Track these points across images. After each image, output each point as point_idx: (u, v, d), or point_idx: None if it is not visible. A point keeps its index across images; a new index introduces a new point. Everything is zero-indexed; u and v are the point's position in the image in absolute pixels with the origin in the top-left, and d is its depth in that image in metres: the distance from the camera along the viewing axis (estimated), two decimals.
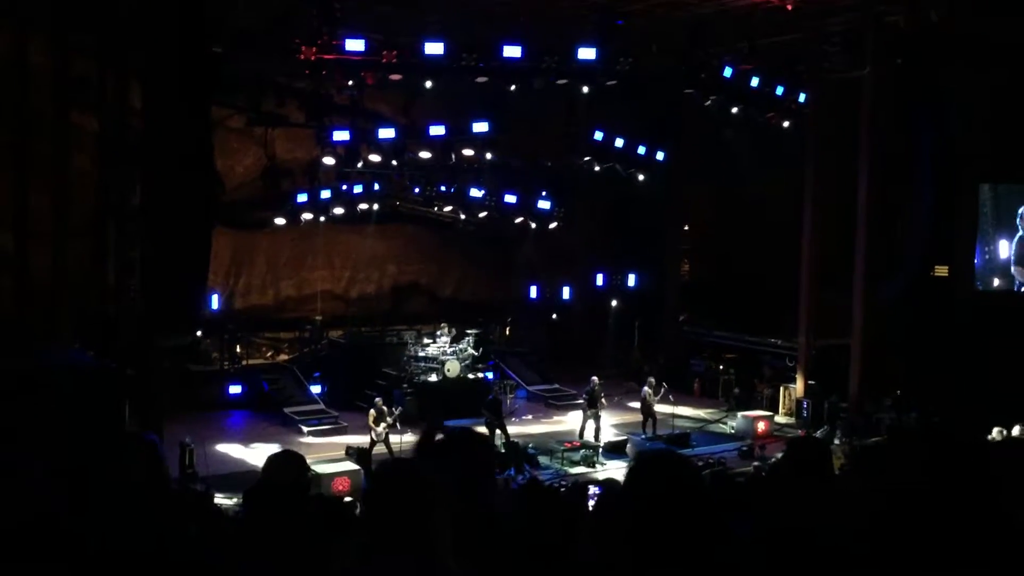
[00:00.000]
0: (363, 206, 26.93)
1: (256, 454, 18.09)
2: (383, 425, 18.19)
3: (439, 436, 3.84)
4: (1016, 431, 13.21)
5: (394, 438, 18.22)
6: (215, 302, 25.44)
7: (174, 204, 15.27)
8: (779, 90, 22.84)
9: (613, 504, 3.18)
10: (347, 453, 18.07)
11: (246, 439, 20.07)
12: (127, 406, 14.55)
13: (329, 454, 18.57)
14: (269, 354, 26.78)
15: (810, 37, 21.80)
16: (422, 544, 2.63)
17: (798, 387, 23.58)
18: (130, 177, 16.47)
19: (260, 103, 22.23)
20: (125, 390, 14.66)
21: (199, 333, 22.64)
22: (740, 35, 21.61)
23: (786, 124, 23.76)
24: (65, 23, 16.61)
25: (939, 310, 22.92)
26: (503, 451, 18.73)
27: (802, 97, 23.16)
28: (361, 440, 19.25)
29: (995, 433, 13.17)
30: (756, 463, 16.96)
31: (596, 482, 14.35)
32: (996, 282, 24.19)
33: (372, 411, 18.36)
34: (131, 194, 16.48)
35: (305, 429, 20.98)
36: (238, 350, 25.37)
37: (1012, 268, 23.98)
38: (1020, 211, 23.85)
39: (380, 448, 18.14)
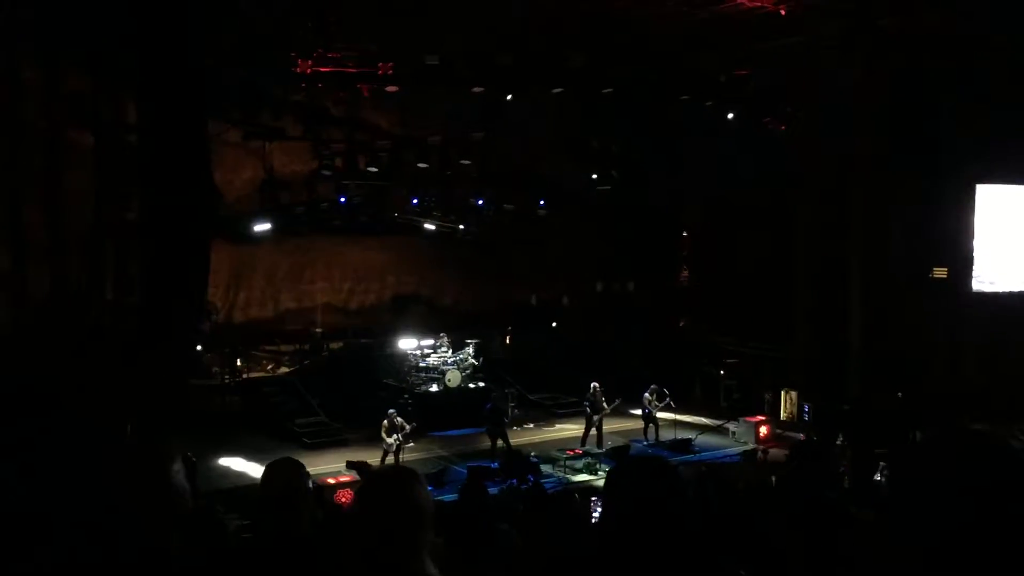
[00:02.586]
0: (361, 218, 26.95)
1: (257, 468, 18.06)
2: (395, 436, 18.21)
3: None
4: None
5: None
6: (215, 316, 25.43)
7: (172, 219, 15.28)
8: (773, 95, 22.89)
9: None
10: (348, 466, 18.00)
11: (247, 453, 20.03)
12: (129, 421, 14.54)
13: (332, 467, 18.53)
14: (270, 367, 26.74)
15: (804, 42, 21.84)
16: (407, 555, 2.63)
17: (799, 391, 23.56)
18: (127, 193, 16.50)
19: (257, 116, 22.26)
20: (126, 405, 14.66)
21: (199, 347, 22.63)
22: (734, 41, 21.66)
23: (782, 128, 23.81)
24: (59, 38, 16.64)
25: (939, 311, 22.93)
26: (505, 460, 18.75)
27: (797, 102, 23.21)
28: (362, 452, 19.23)
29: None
30: (761, 466, 16.96)
31: (599, 490, 14.29)
32: (994, 283, 24.21)
33: (385, 422, 18.39)
34: (128, 210, 16.50)
35: (307, 441, 20.96)
36: (238, 363, 25.35)
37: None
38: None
39: (391, 460, 18.20)
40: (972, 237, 23.81)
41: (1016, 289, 24.29)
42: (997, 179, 24.05)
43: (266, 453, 19.74)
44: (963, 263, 23.76)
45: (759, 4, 19.67)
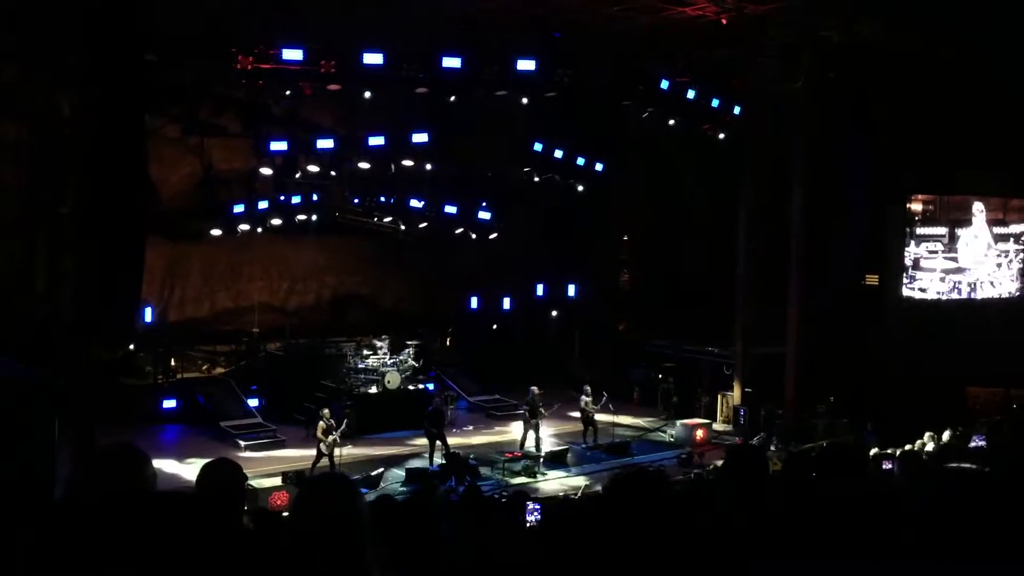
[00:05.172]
0: (301, 217, 26.66)
1: (191, 470, 17.73)
2: (331, 437, 18.01)
3: None
4: (946, 436, 13.54)
5: (335, 451, 18.08)
6: (149, 314, 24.95)
7: (106, 214, 14.94)
8: (715, 103, 23.20)
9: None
10: (284, 479, 17.71)
11: (181, 454, 19.68)
12: (57, 421, 14.15)
13: (267, 468, 18.30)
14: (205, 367, 26.31)
15: (745, 51, 22.17)
16: (348, 561, 2.61)
17: (735, 395, 23.91)
18: (60, 187, 16.07)
19: (196, 112, 21.87)
20: (56, 404, 14.26)
21: (132, 346, 22.20)
22: (677, 48, 21.90)
23: (721, 136, 24.12)
24: None
25: (871, 317, 23.49)
26: (444, 462, 18.72)
27: (737, 109, 23.55)
28: (298, 455, 19.05)
29: (926, 438, 13.49)
30: (696, 471, 17.16)
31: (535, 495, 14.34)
32: (926, 290, 24.90)
33: (320, 423, 18.16)
34: (61, 204, 16.07)
35: (242, 443, 20.65)
36: (173, 363, 24.90)
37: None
38: None
39: (325, 462, 17.99)
40: (904, 245, 24.46)
41: (944, 296, 25.01)
42: (928, 189, 24.74)
43: (200, 454, 19.43)
44: (895, 270, 24.39)
45: (701, 13, 19.92)
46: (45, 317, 16.14)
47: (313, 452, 18.43)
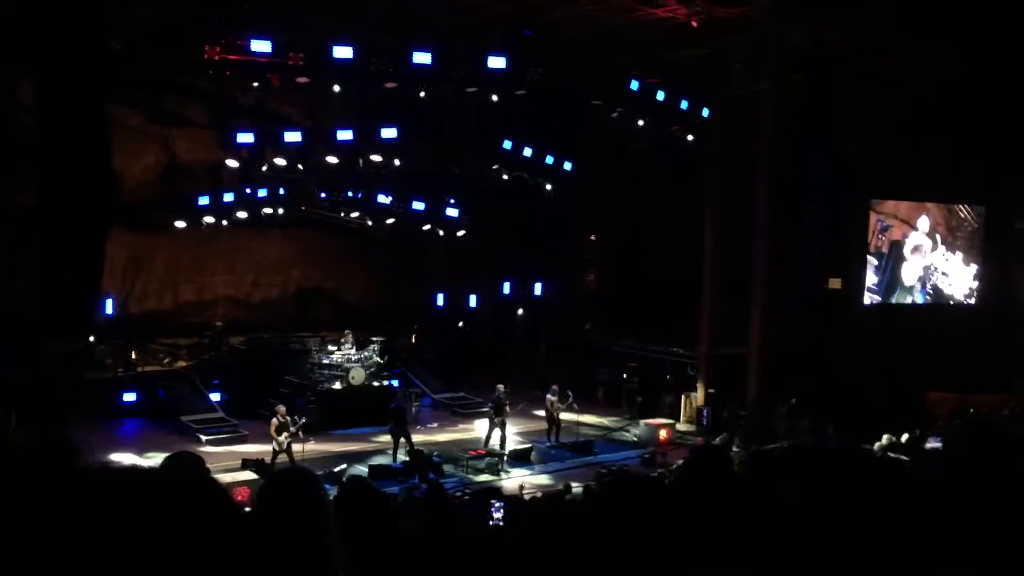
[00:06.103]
0: (267, 210, 26.42)
1: (151, 464, 17.52)
2: (285, 434, 17.82)
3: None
4: (904, 439, 13.73)
5: (296, 447, 17.91)
6: (109, 306, 24.61)
7: (67, 205, 14.74)
8: (683, 104, 23.30)
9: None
10: (244, 465, 17.60)
11: (141, 448, 19.46)
12: (15, 414, 13.95)
13: (228, 463, 18.12)
14: (166, 360, 25.99)
15: (714, 54, 22.30)
16: (313, 556, 2.58)
17: (699, 395, 24.02)
18: (19, 176, 15.83)
19: (161, 102, 21.61)
20: (14, 398, 14.06)
21: (92, 338, 21.90)
22: (646, 49, 21.98)
23: (689, 138, 24.23)
24: None
25: (833, 320, 23.72)
26: (408, 459, 18.65)
27: (705, 111, 23.68)
28: (261, 450, 18.86)
29: (884, 440, 13.66)
30: (659, 470, 17.21)
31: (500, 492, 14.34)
32: (881, 295, 25.20)
33: (274, 420, 17.97)
34: (20, 195, 15.83)
35: (203, 438, 20.44)
36: (133, 356, 24.56)
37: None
38: None
39: (283, 459, 17.79)
40: (866, 250, 24.74)
41: (905, 300, 25.34)
42: (891, 195, 25.04)
43: (160, 448, 19.21)
44: (856, 275, 24.66)
45: (671, 15, 20.01)
46: (4, 312, 15.91)
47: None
